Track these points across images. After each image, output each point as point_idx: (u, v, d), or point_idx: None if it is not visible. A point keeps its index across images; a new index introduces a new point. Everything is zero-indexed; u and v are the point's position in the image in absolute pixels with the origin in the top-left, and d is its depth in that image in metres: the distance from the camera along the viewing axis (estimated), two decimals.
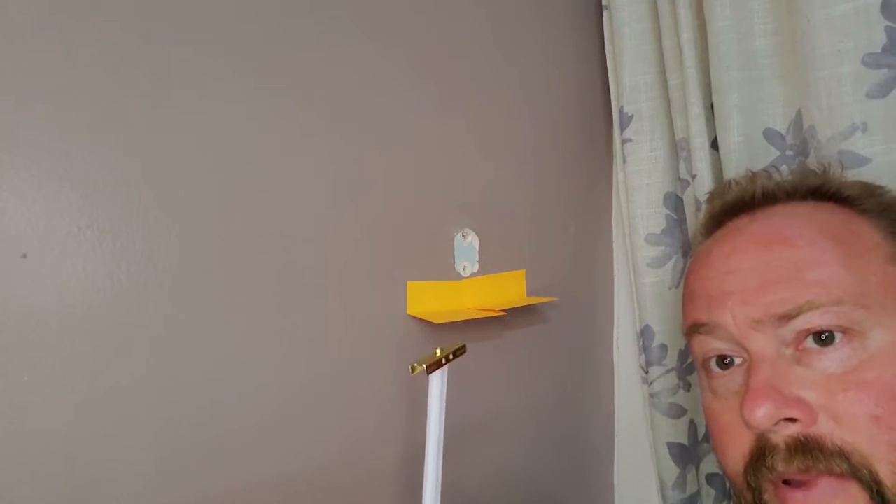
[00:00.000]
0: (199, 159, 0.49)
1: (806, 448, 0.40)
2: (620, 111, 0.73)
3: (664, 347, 0.71)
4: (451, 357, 0.45)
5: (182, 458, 0.48)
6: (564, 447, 0.75)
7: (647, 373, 0.73)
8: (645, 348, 0.72)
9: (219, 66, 0.50)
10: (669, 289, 0.71)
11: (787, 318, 0.42)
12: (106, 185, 0.45)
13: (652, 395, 0.72)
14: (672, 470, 0.71)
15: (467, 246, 0.65)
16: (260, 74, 0.52)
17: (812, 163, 0.56)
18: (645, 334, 0.72)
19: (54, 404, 0.43)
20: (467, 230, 0.65)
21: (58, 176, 0.43)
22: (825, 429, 0.40)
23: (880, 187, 0.48)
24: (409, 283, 0.60)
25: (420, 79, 0.62)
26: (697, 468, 0.73)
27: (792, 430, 0.41)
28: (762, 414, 0.41)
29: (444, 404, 0.45)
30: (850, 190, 0.48)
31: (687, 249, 0.72)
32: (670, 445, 0.71)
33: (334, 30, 0.57)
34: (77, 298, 0.44)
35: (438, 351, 0.46)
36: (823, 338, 0.42)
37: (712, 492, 0.72)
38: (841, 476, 0.40)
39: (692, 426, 0.72)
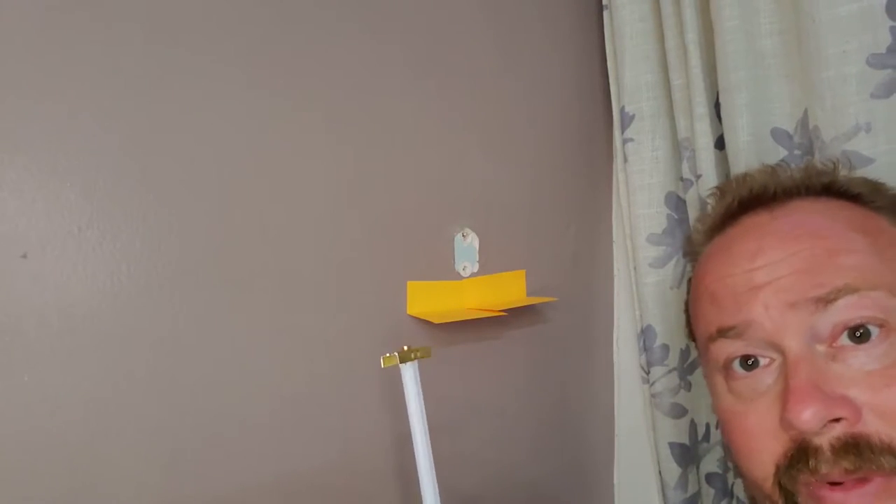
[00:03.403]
0: (199, 159, 0.49)
1: (856, 448, 0.39)
2: (622, 111, 0.73)
3: (666, 347, 0.71)
4: (417, 355, 0.48)
5: (182, 458, 0.48)
6: (564, 447, 0.75)
7: (648, 373, 0.73)
8: (646, 348, 0.72)
9: (219, 66, 0.50)
10: (671, 288, 0.71)
11: (824, 301, 0.41)
12: (106, 185, 0.45)
13: (654, 396, 0.72)
14: (674, 470, 0.71)
15: (467, 246, 0.65)
16: (260, 74, 0.52)
17: (815, 161, 0.56)
18: (646, 334, 0.72)
19: (54, 404, 0.43)
20: (467, 230, 0.65)
21: (58, 176, 0.43)
22: (871, 426, 0.39)
23: (884, 184, 0.48)
24: (409, 283, 0.60)
25: (420, 79, 0.62)
26: (698, 468, 0.73)
27: (837, 430, 0.39)
28: (809, 415, 0.39)
29: (420, 397, 0.49)
30: (859, 187, 0.47)
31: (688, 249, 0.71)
32: (672, 445, 0.71)
33: (334, 30, 0.57)
34: (77, 298, 0.44)
35: (406, 348, 0.49)
36: (858, 334, 0.41)
37: (711, 491, 0.72)
38: (890, 474, 0.39)
39: (693, 426, 0.72)
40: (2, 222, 0.42)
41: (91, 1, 0.45)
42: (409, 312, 0.60)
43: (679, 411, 0.71)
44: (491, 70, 0.68)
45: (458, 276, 0.64)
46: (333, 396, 0.56)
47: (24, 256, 0.42)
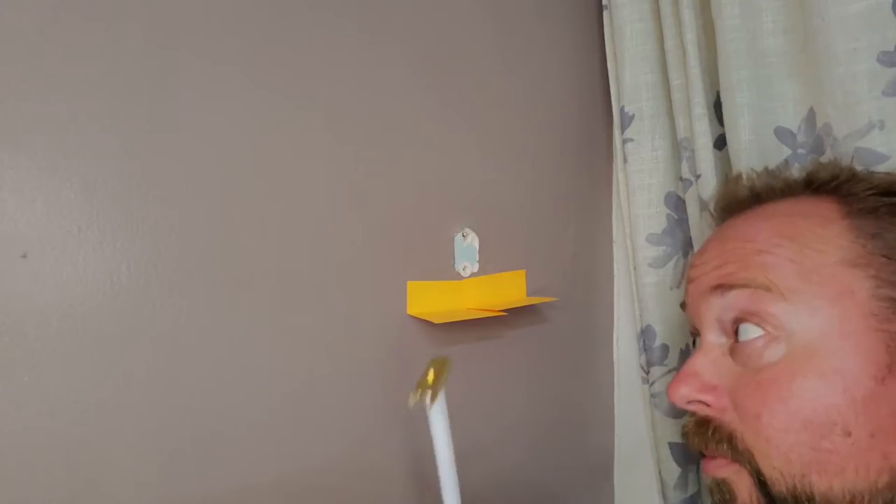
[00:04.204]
0: (199, 159, 0.49)
1: (705, 428, 0.45)
2: (621, 111, 0.73)
3: (665, 347, 0.71)
4: (443, 376, 0.41)
5: (182, 457, 0.48)
6: (564, 447, 0.75)
7: (647, 373, 0.73)
8: (646, 348, 0.72)
9: (219, 66, 0.50)
10: (671, 289, 0.71)
11: (721, 288, 0.45)
12: (106, 185, 0.45)
13: (653, 395, 0.72)
14: (674, 470, 0.71)
15: (467, 246, 0.65)
16: (260, 74, 0.52)
17: (821, 160, 0.56)
18: (646, 334, 0.72)
19: (54, 404, 0.43)
20: (467, 230, 0.65)
21: (58, 176, 0.43)
22: (728, 417, 0.44)
23: None
24: (409, 283, 0.60)
25: (420, 79, 0.62)
26: (698, 467, 0.73)
27: (704, 412, 0.45)
28: (678, 393, 0.46)
29: (448, 430, 0.42)
30: (861, 185, 0.46)
31: (688, 249, 0.72)
32: (672, 445, 0.71)
33: (334, 30, 0.57)
34: (77, 298, 0.44)
35: (431, 372, 0.41)
36: (743, 332, 0.44)
37: None
38: (732, 462, 0.44)
39: None
40: (2, 222, 0.42)
41: (91, 1, 0.45)
42: (409, 312, 0.60)
43: (679, 411, 0.71)
44: (491, 70, 0.68)
45: (458, 276, 0.64)
46: (333, 396, 0.56)
47: (24, 256, 0.42)
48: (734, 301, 0.44)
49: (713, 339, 0.46)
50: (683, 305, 0.51)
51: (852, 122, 0.55)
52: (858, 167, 0.51)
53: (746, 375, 0.43)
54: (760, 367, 0.42)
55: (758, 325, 0.43)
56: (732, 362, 0.45)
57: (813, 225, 0.45)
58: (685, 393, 0.45)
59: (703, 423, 0.45)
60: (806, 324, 0.41)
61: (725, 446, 0.44)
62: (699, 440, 0.45)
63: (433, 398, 0.40)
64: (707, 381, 0.45)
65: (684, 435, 0.48)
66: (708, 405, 0.45)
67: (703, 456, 0.46)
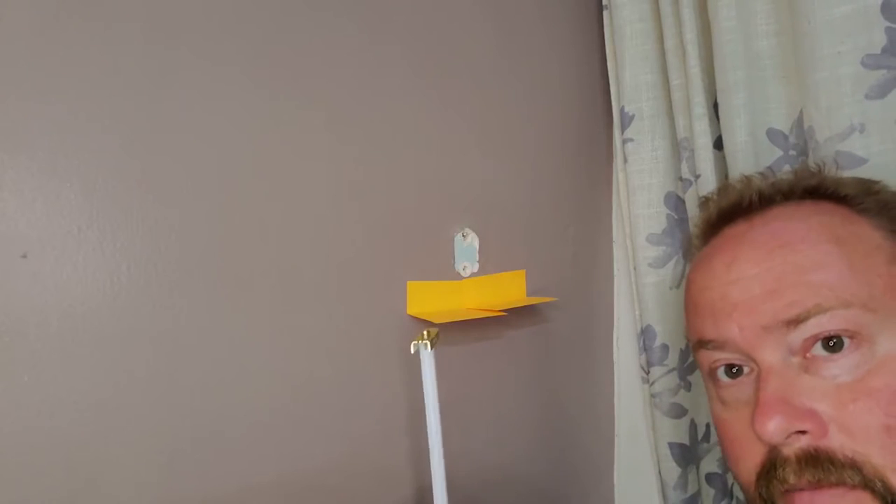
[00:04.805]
0: (199, 159, 0.49)
1: (817, 461, 0.40)
2: (621, 111, 0.73)
3: (665, 347, 0.71)
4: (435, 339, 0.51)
5: (182, 458, 0.48)
6: (564, 447, 0.75)
7: (648, 373, 0.73)
8: (646, 348, 0.72)
9: (219, 67, 0.50)
10: (671, 289, 0.71)
11: (795, 322, 0.41)
12: (106, 185, 0.45)
13: (653, 396, 0.72)
14: (674, 470, 0.71)
15: (467, 246, 0.65)
16: (260, 74, 0.52)
17: (808, 163, 0.56)
18: (646, 334, 0.72)
19: (54, 404, 0.43)
20: (467, 230, 0.65)
21: (58, 176, 0.43)
22: (836, 441, 0.40)
23: (877, 183, 0.48)
24: (409, 283, 0.60)
25: (420, 79, 0.62)
26: (698, 468, 0.73)
27: (803, 442, 0.40)
28: (773, 428, 0.40)
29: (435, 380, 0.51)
30: (847, 189, 0.47)
31: (688, 249, 0.72)
32: (672, 445, 0.71)
33: (335, 30, 0.57)
34: (77, 298, 0.44)
35: (426, 333, 0.51)
36: (832, 344, 0.41)
37: (711, 491, 0.72)
38: (854, 488, 0.39)
39: (692, 426, 0.72)
40: (2, 222, 0.42)
41: (91, 1, 0.45)
42: (409, 312, 0.60)
43: (679, 411, 0.71)
44: (491, 70, 0.68)
45: (458, 276, 0.64)
46: (333, 396, 0.56)
47: (24, 256, 0.42)
48: (812, 327, 0.41)
49: (778, 359, 0.42)
50: (708, 340, 0.46)
51: (834, 125, 0.55)
52: (834, 169, 0.51)
53: (845, 390, 0.40)
54: (859, 378, 0.40)
55: (846, 335, 0.40)
56: (811, 379, 0.41)
57: (844, 223, 0.44)
58: (781, 426, 0.40)
59: (812, 455, 0.40)
60: (892, 326, 0.40)
61: (850, 474, 0.39)
62: (814, 474, 0.40)
63: (432, 345, 0.50)
64: (798, 405, 0.40)
65: (779, 479, 0.41)
66: (806, 433, 0.40)
67: (799, 489, 0.41)
